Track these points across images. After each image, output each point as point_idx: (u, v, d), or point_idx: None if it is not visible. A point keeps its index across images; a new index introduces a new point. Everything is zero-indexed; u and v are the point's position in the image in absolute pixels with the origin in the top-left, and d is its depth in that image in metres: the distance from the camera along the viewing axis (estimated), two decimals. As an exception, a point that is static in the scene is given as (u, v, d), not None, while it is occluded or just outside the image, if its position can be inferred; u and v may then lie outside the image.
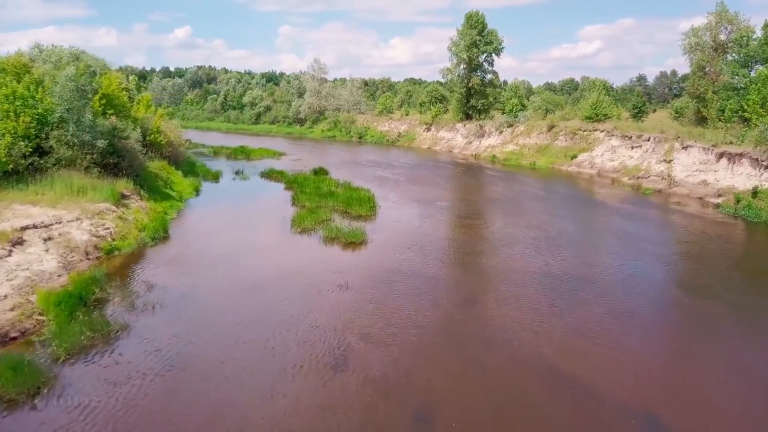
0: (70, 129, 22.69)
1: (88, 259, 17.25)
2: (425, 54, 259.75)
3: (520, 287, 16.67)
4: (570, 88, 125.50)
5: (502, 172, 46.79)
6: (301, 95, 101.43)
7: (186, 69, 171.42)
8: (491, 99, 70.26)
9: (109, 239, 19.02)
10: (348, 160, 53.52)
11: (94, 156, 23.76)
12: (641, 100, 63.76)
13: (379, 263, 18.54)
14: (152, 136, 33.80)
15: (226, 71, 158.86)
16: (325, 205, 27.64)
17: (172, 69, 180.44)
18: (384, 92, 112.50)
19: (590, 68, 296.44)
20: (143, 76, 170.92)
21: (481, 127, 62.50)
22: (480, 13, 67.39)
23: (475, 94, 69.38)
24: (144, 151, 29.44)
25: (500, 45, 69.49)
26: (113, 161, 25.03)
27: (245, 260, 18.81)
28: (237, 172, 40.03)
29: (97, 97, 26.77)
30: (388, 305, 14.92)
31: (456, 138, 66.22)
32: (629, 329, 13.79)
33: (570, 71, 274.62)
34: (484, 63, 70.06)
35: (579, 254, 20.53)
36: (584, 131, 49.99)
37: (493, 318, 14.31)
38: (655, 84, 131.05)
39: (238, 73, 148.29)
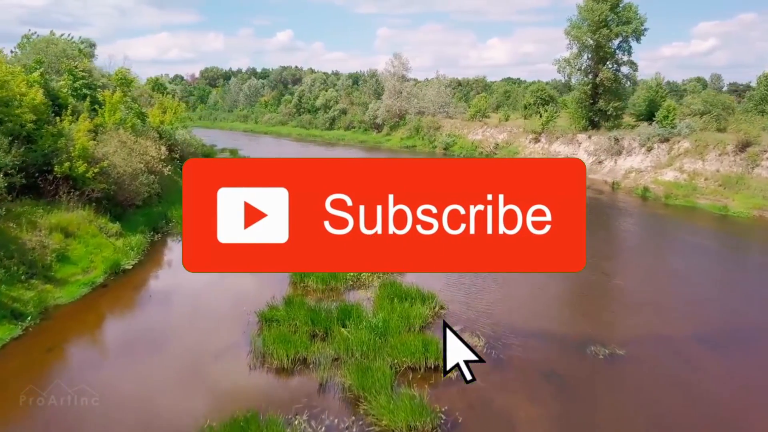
0: None
1: None
2: (524, 54, 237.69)
3: None
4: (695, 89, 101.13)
5: (674, 222, 28.29)
6: (379, 96, 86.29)
7: (271, 69, 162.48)
8: (625, 101, 51.14)
9: None
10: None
11: None
12: None
13: None
14: (64, 165, 19.34)
15: (312, 71, 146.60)
16: (322, 375, 11.60)
17: (258, 70, 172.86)
18: (479, 93, 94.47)
19: (704, 67, 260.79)
20: (228, 77, 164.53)
21: (617, 140, 43.50)
22: (615, -19, 48.28)
23: (604, 94, 50.31)
24: (10, 198, 14.79)
25: (641, 25, 49.95)
26: None
27: None
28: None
29: None
30: None
31: (578, 155, 47.50)
32: None
33: (681, 71, 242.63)
34: (617, 51, 50.95)
35: None
36: (809, 153, 30.17)
37: None
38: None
39: (324, 73, 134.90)
